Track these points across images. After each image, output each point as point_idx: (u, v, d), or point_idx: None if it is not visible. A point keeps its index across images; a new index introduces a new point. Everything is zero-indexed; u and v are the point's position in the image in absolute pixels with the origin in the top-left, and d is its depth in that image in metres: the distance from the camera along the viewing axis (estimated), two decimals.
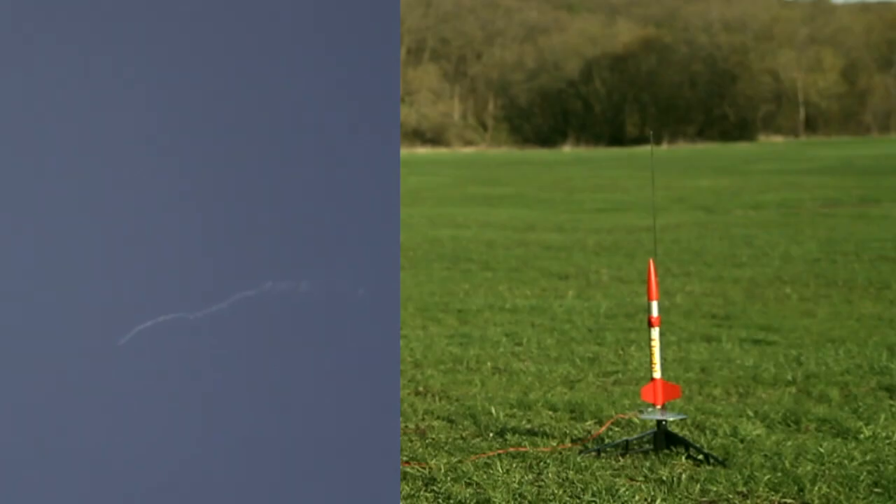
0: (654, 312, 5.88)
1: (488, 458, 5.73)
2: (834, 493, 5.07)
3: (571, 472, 5.46)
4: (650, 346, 5.89)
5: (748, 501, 5.05)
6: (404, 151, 61.73)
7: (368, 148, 4.10)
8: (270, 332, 4.03)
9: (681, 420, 6.18)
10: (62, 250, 3.96)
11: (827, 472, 5.36)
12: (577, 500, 5.10)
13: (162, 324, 3.94)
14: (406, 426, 6.49)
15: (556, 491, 5.20)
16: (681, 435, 5.89)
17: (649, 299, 5.89)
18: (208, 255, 4.00)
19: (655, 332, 5.88)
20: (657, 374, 5.87)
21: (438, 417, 6.68)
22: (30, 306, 3.93)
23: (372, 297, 4.07)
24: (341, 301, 4.05)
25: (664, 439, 5.75)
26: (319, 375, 4.04)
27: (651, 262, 5.95)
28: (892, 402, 6.83)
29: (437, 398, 7.23)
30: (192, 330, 3.96)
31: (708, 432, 6.11)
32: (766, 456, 5.65)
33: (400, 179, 4.14)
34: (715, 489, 5.17)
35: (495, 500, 5.09)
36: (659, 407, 5.83)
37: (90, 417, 3.93)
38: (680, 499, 5.09)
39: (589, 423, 6.45)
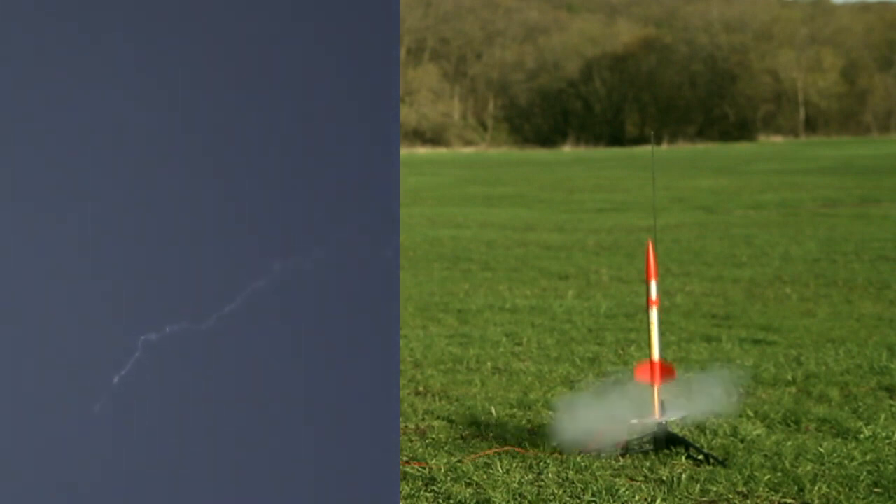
0: (653, 292, 5.81)
1: (488, 458, 5.73)
2: (834, 493, 5.07)
3: (571, 472, 5.47)
4: (648, 327, 5.82)
5: (748, 501, 5.05)
6: (404, 151, 61.70)
7: (368, 148, 4.10)
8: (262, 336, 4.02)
9: (681, 419, 6.18)
10: (52, 261, 3.91)
11: (827, 472, 5.36)
12: (577, 500, 5.10)
13: (169, 335, 3.89)
14: (406, 426, 6.49)
15: (556, 491, 5.20)
16: (681, 435, 5.89)
17: (647, 279, 5.82)
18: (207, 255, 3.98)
19: (654, 313, 5.82)
20: (655, 356, 5.80)
21: (438, 417, 6.68)
22: (21, 324, 3.87)
23: (373, 298, 4.07)
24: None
25: (664, 439, 5.75)
26: (319, 375, 4.04)
27: (650, 242, 5.89)
28: (892, 402, 6.84)
29: (437, 398, 7.22)
30: (203, 339, 3.91)
31: (708, 432, 6.11)
32: (766, 456, 5.65)
33: (400, 179, 4.14)
34: (715, 489, 5.17)
35: (495, 500, 5.09)
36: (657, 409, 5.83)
37: (95, 447, 3.89)
38: (680, 499, 5.09)
39: None
